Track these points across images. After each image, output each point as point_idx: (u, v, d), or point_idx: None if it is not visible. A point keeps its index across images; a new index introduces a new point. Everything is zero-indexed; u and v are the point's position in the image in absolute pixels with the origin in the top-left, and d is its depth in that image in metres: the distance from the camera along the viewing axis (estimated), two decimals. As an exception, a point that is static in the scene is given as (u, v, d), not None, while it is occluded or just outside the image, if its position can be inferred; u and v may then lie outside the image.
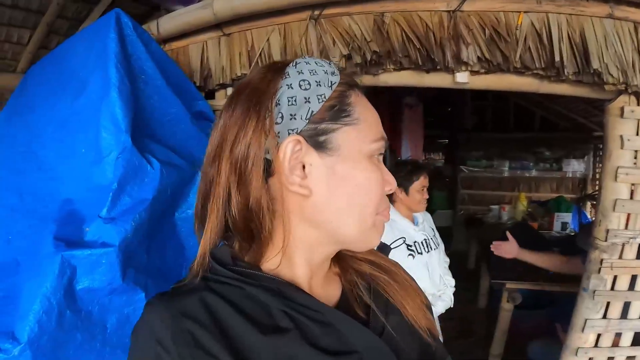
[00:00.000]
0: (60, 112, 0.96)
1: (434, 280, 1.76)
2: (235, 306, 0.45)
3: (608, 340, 1.49)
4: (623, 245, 1.39)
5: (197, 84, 1.49)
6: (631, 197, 1.39)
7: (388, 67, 1.39)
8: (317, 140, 0.46)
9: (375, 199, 0.49)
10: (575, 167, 5.10)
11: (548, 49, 1.34)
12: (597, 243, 1.43)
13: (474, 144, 5.20)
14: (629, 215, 1.39)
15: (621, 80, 1.30)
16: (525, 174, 5.18)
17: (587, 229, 1.96)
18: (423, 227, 1.85)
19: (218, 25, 1.47)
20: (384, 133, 0.51)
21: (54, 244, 0.78)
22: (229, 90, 1.55)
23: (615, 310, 1.45)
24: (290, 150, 0.45)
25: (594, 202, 4.77)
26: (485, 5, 1.37)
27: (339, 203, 0.47)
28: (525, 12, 1.37)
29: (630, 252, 1.40)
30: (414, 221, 1.85)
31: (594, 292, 1.41)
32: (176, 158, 1.11)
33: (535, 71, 1.36)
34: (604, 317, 1.45)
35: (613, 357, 1.51)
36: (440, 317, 1.76)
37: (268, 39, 1.46)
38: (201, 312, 0.44)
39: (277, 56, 1.45)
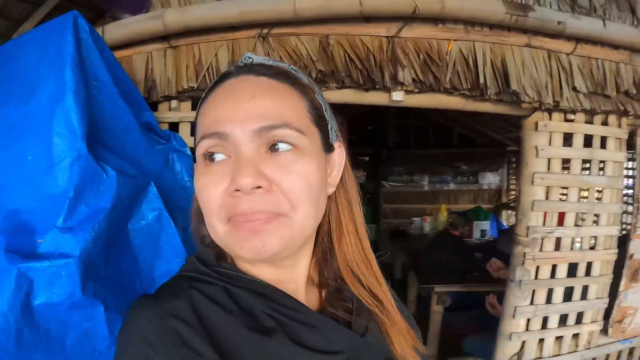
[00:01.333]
0: (6, 117, 0.89)
1: None
2: (221, 306, 0.45)
3: (537, 324, 1.69)
4: (542, 239, 1.61)
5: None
6: (546, 198, 1.63)
7: (331, 85, 1.49)
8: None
9: (208, 205, 0.46)
10: (490, 179, 5.62)
11: (474, 72, 1.54)
12: (520, 239, 1.63)
13: (397, 160, 5.51)
14: (545, 213, 1.62)
15: (536, 99, 1.54)
16: (444, 187, 5.57)
17: (506, 234, 2.22)
18: None
19: (165, 37, 1.47)
20: (220, 128, 0.45)
21: (7, 256, 0.71)
22: (174, 103, 1.53)
23: (541, 297, 1.66)
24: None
25: (509, 211, 5.37)
26: (420, 32, 1.54)
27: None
28: (454, 40, 1.57)
29: (549, 245, 1.62)
30: None
31: (520, 282, 1.61)
32: (129, 167, 1.08)
33: (462, 91, 1.55)
34: (531, 303, 1.65)
35: (543, 339, 1.71)
36: None
37: (216, 54, 1.49)
38: (187, 312, 0.44)
39: (224, 70, 1.47)
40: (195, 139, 0.49)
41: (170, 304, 0.44)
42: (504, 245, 2.10)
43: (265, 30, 1.47)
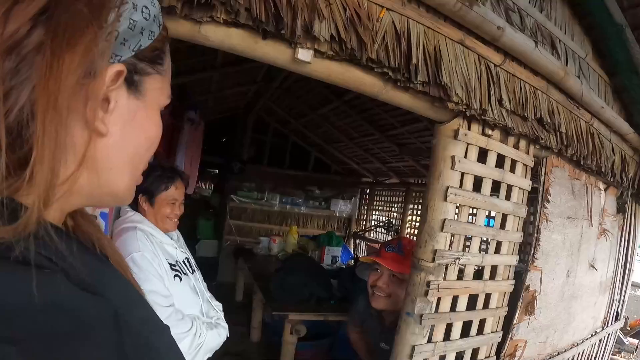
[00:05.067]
0: None
1: (205, 305, 1.47)
2: None
3: (434, 366, 1.43)
4: (447, 266, 1.37)
5: None
6: (455, 218, 1.40)
7: (219, 15, 1.03)
8: (131, 78, 0.41)
9: (151, 155, 0.47)
10: (342, 207, 5.75)
11: (405, 51, 1.25)
12: (422, 264, 1.37)
13: (248, 175, 5.25)
14: (452, 235, 1.38)
15: (464, 100, 1.31)
16: (295, 210, 5.49)
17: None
18: (181, 244, 1.57)
19: None
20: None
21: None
22: None
23: (439, 333, 1.40)
24: (109, 78, 0.37)
25: (359, 240, 5.47)
26: (350, -14, 1.20)
27: (126, 151, 0.42)
28: (388, 9, 1.26)
29: (452, 273, 1.39)
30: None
31: (421, 315, 1.33)
32: None
33: (385, 69, 1.24)
34: (429, 341, 1.38)
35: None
36: (216, 353, 1.45)
37: None
38: None
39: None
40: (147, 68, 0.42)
41: None
42: (362, 272, 1.93)
43: None
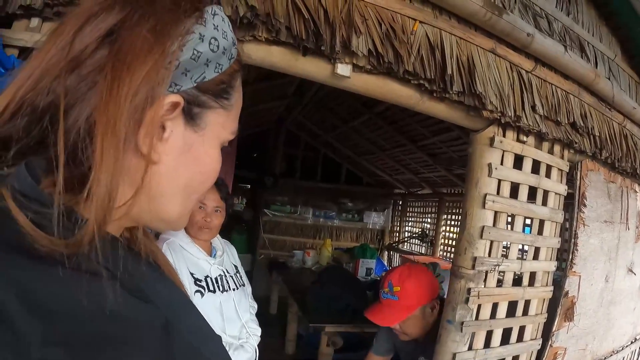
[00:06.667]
0: None
1: (229, 326, 1.41)
2: None
3: (476, 373, 1.42)
4: (486, 273, 1.37)
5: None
6: (494, 225, 1.40)
7: (260, 34, 1.08)
8: (191, 110, 0.40)
9: (208, 187, 0.46)
10: (375, 219, 5.67)
11: (439, 61, 1.27)
12: (463, 272, 1.37)
13: (281, 189, 5.27)
14: (491, 242, 1.38)
15: (498, 108, 1.32)
16: (328, 223, 5.48)
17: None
18: (221, 262, 1.50)
19: None
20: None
21: None
22: (34, 21, 1.03)
23: (480, 340, 1.40)
24: (166, 107, 0.37)
25: (392, 252, 5.42)
26: (383, 1, 1.23)
27: (177, 181, 0.41)
28: (420, 22, 1.29)
29: (492, 280, 1.39)
30: (211, 252, 1.50)
31: (462, 323, 1.33)
32: None
33: (421, 81, 1.27)
34: (470, 348, 1.38)
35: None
36: None
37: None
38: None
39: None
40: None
41: None
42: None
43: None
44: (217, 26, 0.40)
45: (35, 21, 1.03)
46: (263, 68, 1.18)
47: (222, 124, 0.43)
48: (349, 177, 5.77)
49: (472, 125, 1.46)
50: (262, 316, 1.66)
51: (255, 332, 1.49)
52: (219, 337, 0.49)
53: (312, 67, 1.17)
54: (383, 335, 1.76)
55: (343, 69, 1.16)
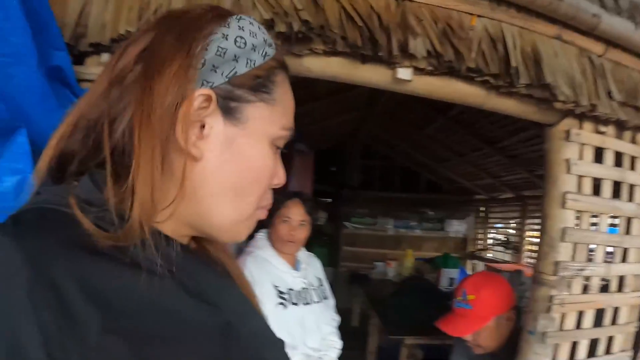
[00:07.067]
0: None
1: (310, 338, 1.42)
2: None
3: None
4: (570, 278, 1.26)
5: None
6: (576, 226, 1.29)
7: (317, 46, 1.08)
8: (227, 105, 0.41)
9: (261, 189, 0.45)
10: (457, 227, 5.39)
11: (502, 55, 1.20)
12: (544, 278, 1.27)
13: (359, 201, 5.20)
14: (574, 245, 1.27)
15: (572, 98, 1.22)
16: (408, 233, 5.30)
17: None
18: (305, 274, 1.51)
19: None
20: (293, 125, 0.47)
21: None
22: (105, 57, 1.09)
23: (564, 353, 1.28)
24: (198, 103, 0.39)
25: (475, 260, 5.17)
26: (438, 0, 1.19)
27: (225, 179, 0.41)
28: (478, 16, 1.23)
29: (577, 286, 1.27)
30: (295, 265, 1.51)
31: (544, 334, 1.23)
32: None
33: (486, 77, 1.20)
34: (554, 361, 1.27)
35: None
36: None
37: (171, -6, 1.05)
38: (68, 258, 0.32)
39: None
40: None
41: (45, 244, 0.33)
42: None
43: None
44: (243, 27, 0.42)
45: (105, 56, 1.10)
46: (333, 82, 1.18)
47: (267, 118, 0.43)
48: (428, 185, 5.60)
49: (544, 119, 1.35)
50: (343, 328, 1.65)
51: (335, 344, 1.50)
52: (282, 342, 0.49)
53: (372, 74, 1.15)
54: (459, 349, 1.67)
55: (404, 72, 1.13)
